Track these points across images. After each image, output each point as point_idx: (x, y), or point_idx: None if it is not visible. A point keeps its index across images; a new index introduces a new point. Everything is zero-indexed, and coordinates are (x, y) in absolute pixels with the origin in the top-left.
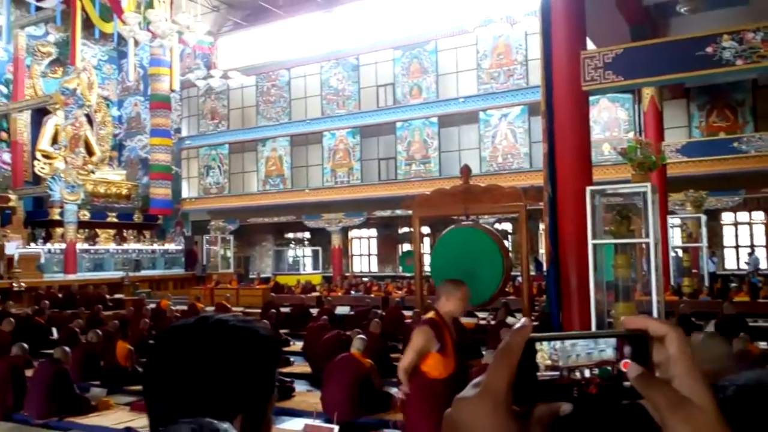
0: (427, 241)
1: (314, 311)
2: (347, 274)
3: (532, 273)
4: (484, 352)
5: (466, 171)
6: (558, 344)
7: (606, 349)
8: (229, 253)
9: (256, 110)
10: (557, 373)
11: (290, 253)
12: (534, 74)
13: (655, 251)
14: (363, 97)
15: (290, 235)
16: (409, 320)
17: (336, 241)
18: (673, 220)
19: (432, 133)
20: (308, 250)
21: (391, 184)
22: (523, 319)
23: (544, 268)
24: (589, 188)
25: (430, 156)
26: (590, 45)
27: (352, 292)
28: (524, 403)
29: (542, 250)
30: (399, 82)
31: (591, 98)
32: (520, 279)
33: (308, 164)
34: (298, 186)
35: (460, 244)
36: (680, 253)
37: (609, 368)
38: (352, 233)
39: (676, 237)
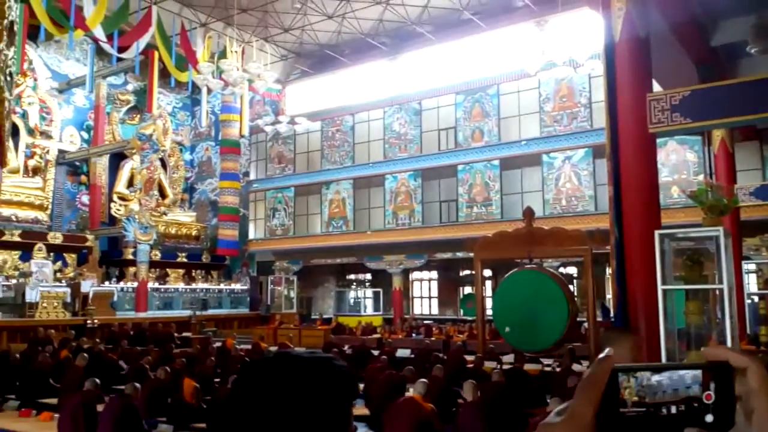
0: (488, 284)
1: (375, 352)
2: (407, 316)
3: (599, 319)
4: (549, 400)
5: (529, 213)
6: (645, 381)
7: (692, 385)
8: (293, 294)
9: (321, 154)
10: (644, 409)
11: (351, 294)
12: (598, 116)
13: (730, 298)
14: (425, 141)
15: (352, 276)
16: (470, 365)
17: (397, 283)
18: (748, 266)
19: (494, 176)
20: (369, 292)
21: (452, 226)
22: (608, 349)
23: (612, 314)
24: (657, 232)
25: (492, 198)
26: (656, 86)
27: (413, 334)
28: None
29: (609, 296)
30: (461, 125)
31: (658, 140)
32: (586, 325)
33: (370, 206)
34: (360, 228)
35: (524, 287)
36: (756, 299)
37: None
38: (413, 275)
39: (752, 283)
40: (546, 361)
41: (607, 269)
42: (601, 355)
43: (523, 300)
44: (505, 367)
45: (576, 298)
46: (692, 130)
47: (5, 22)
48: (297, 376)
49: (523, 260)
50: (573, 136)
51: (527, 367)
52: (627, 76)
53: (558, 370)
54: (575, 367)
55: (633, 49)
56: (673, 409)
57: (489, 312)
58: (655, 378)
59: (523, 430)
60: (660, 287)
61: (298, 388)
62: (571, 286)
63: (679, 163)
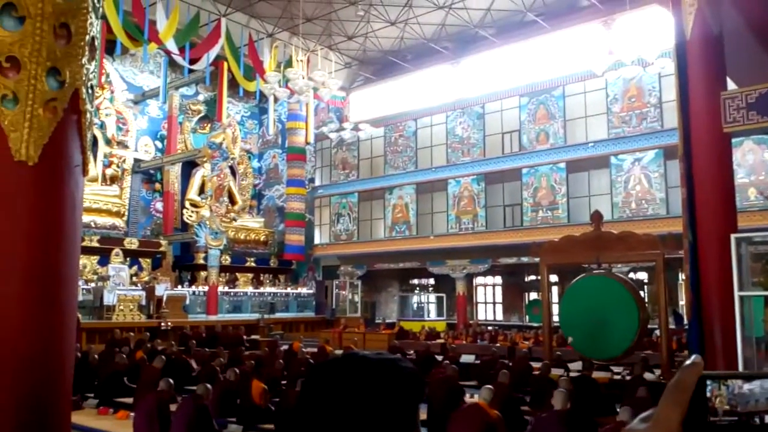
0: (555, 290)
1: (439, 358)
2: (471, 321)
3: (671, 326)
4: (618, 409)
5: (597, 217)
6: (736, 389)
7: None
8: (357, 298)
9: (384, 160)
10: (735, 417)
11: (415, 299)
12: (669, 116)
13: None
14: (488, 145)
15: (415, 281)
16: (536, 372)
17: (460, 288)
18: None
19: (560, 179)
20: (432, 297)
21: (516, 231)
22: (695, 356)
23: (685, 321)
24: (734, 236)
25: (558, 202)
26: (730, 84)
27: (478, 340)
28: None
29: (682, 302)
30: (525, 128)
31: (734, 140)
32: (657, 332)
33: (433, 211)
34: (423, 233)
35: (592, 293)
36: None
37: None
38: (476, 280)
39: None
40: (615, 369)
41: (679, 275)
42: (689, 362)
43: (592, 306)
44: (572, 374)
45: (647, 305)
46: None
47: (87, 37)
48: (364, 377)
49: (591, 265)
50: (643, 137)
51: (596, 375)
52: (699, 75)
53: (628, 378)
54: (647, 375)
55: (705, 46)
56: (767, 419)
57: (556, 318)
58: (747, 386)
59: None
60: (737, 293)
61: (365, 389)
62: (641, 293)
63: (756, 164)
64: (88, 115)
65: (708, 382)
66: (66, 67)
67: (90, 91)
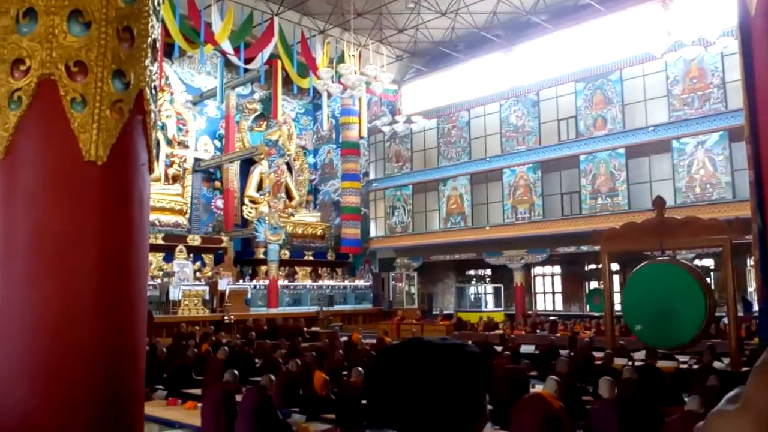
0: (616, 278)
1: (498, 348)
2: (530, 312)
3: (740, 314)
4: (686, 399)
5: (659, 203)
6: None
7: None
8: (413, 290)
9: (438, 151)
10: None
11: (472, 290)
12: (733, 97)
13: None
14: (543, 132)
15: (471, 272)
16: (599, 362)
17: (518, 278)
18: None
19: (619, 165)
20: (490, 288)
21: (575, 219)
22: None
23: (755, 307)
24: None
25: (618, 189)
26: None
27: (537, 331)
28: None
29: (751, 288)
30: (581, 114)
31: None
32: (725, 320)
33: (488, 201)
34: (478, 223)
35: (656, 281)
36: None
37: None
38: (535, 270)
39: None
40: (681, 359)
41: (748, 260)
42: None
43: (656, 294)
44: (636, 364)
45: (714, 292)
46: None
47: (149, 40)
48: (430, 361)
49: (654, 252)
50: (706, 119)
51: (660, 364)
52: (765, 52)
53: (695, 367)
54: (716, 364)
55: None
56: None
57: (618, 308)
58: None
59: (658, 430)
60: None
61: (432, 373)
62: (707, 279)
63: None
64: (152, 115)
65: None
66: (130, 69)
67: (153, 91)
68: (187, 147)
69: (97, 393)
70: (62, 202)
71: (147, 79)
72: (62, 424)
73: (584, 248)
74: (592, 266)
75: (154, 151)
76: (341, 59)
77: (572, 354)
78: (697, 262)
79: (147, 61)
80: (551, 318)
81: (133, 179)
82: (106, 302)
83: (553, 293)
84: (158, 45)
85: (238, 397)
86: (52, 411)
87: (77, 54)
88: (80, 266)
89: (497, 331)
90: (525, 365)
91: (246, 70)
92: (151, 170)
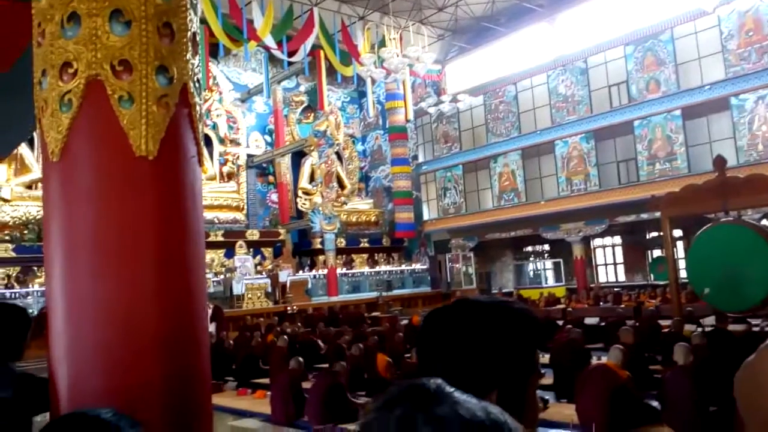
0: (680, 244)
1: (560, 323)
2: (592, 285)
3: None
4: None
5: (720, 162)
6: None
7: None
8: (471, 270)
9: (486, 128)
10: None
11: (530, 266)
12: None
13: None
14: (594, 100)
15: (529, 248)
16: (666, 330)
17: (577, 251)
18: None
19: (676, 128)
20: (549, 263)
21: (633, 186)
22: None
23: None
24: None
25: (676, 152)
26: None
27: (600, 303)
28: None
29: None
30: (633, 78)
31: None
32: None
33: (541, 175)
34: (533, 198)
35: (722, 243)
36: None
37: None
38: (594, 242)
39: None
40: (753, 321)
41: None
42: None
43: (722, 257)
44: (706, 329)
45: None
46: None
47: (188, 34)
48: (478, 319)
49: (717, 214)
50: (765, 72)
51: (731, 328)
52: None
53: None
54: None
55: None
56: None
57: (683, 274)
58: None
59: (731, 394)
60: None
61: (480, 331)
62: None
63: None
64: (198, 108)
65: None
66: (173, 64)
67: (197, 84)
68: (238, 144)
69: (166, 381)
70: (118, 197)
71: (190, 73)
72: (136, 412)
73: (644, 216)
74: (654, 234)
75: (206, 151)
76: (382, 44)
77: (637, 324)
78: (764, 221)
79: (188, 55)
80: (615, 290)
81: (184, 172)
82: (167, 292)
83: (615, 264)
84: (198, 38)
85: (305, 384)
86: (125, 401)
87: (121, 53)
88: (141, 259)
89: (559, 306)
90: (577, 334)
91: (290, 64)
92: (200, 162)
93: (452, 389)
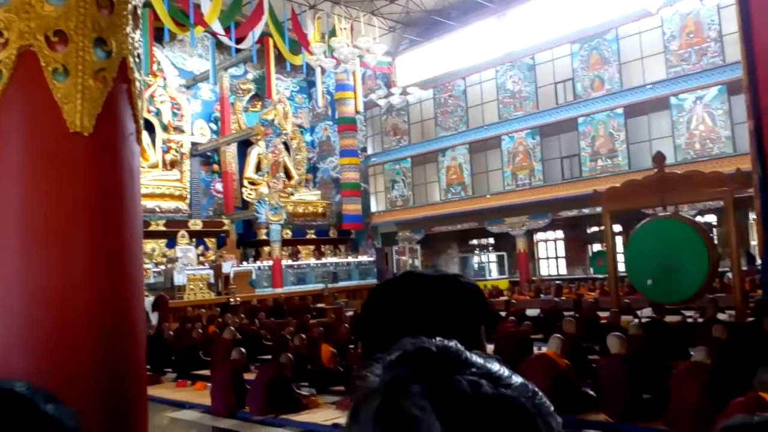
0: (619, 239)
1: (503, 314)
2: (534, 277)
3: (744, 267)
4: (692, 352)
5: (660, 158)
6: None
7: None
8: (417, 262)
9: (435, 122)
10: None
11: (475, 259)
12: (731, 49)
13: None
14: (541, 97)
15: (474, 241)
16: (604, 321)
17: (521, 245)
18: None
19: (618, 125)
20: (493, 256)
21: (576, 182)
22: None
23: (758, 261)
24: None
25: (617, 149)
26: None
27: (542, 295)
28: None
29: (753, 242)
30: (578, 76)
31: None
32: (729, 275)
33: (488, 170)
34: (479, 192)
35: (659, 237)
36: None
37: None
38: (537, 236)
39: None
40: (687, 313)
41: (750, 215)
42: None
43: (659, 250)
44: (642, 320)
45: (716, 246)
46: None
47: (129, 6)
48: (426, 293)
49: (656, 209)
50: (704, 74)
51: (667, 319)
52: (763, 1)
53: (701, 320)
54: (719, 316)
55: None
56: None
57: (621, 268)
58: None
59: (665, 382)
60: None
61: (427, 305)
62: (710, 234)
63: None
64: (138, 84)
65: None
66: (111, 37)
67: (137, 60)
68: (182, 132)
69: (96, 366)
70: (51, 174)
71: (129, 47)
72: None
73: (586, 211)
74: (595, 229)
75: (149, 138)
76: (333, 33)
77: (577, 315)
78: (699, 218)
79: (128, 29)
80: (556, 282)
81: (122, 150)
82: (100, 275)
83: (557, 258)
84: (140, 11)
85: (247, 375)
86: (51, 384)
87: (56, 23)
88: (73, 240)
89: (502, 298)
90: (527, 327)
91: (238, 51)
92: (139, 141)
93: (466, 355)
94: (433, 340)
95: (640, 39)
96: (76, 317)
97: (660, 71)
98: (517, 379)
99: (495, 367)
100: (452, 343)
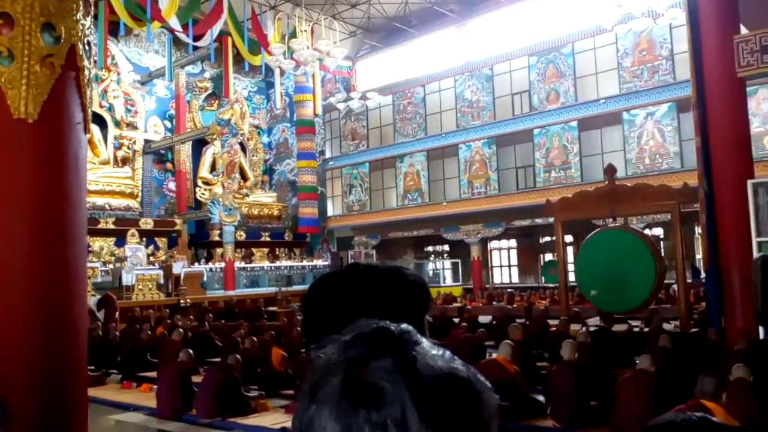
0: (570, 250)
1: (456, 320)
2: (487, 285)
3: (689, 280)
4: (637, 360)
5: (611, 171)
6: None
7: None
8: None
9: (394, 128)
10: None
11: (430, 266)
12: (681, 68)
13: None
14: (498, 107)
15: (430, 248)
16: (554, 329)
17: (475, 252)
18: None
19: (572, 138)
20: (448, 263)
21: (529, 192)
22: None
23: (702, 275)
24: (750, 181)
25: (571, 162)
26: (743, 30)
27: (494, 302)
28: None
29: (698, 256)
30: (535, 88)
31: (748, 89)
32: (675, 287)
33: (445, 177)
34: (435, 199)
35: (608, 247)
36: None
37: None
38: (491, 244)
39: None
40: (633, 323)
41: (696, 228)
42: None
43: (608, 261)
44: (591, 329)
45: (663, 258)
46: None
47: None
48: (371, 285)
49: (606, 221)
50: (655, 90)
51: (615, 328)
52: (712, 22)
53: (646, 330)
54: (665, 326)
55: None
56: None
57: (572, 277)
58: None
59: (610, 390)
60: (755, 239)
61: (371, 294)
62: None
63: None
64: (87, 72)
65: None
66: (60, 23)
67: (87, 47)
68: (136, 128)
69: (32, 363)
70: None
71: (79, 34)
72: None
73: (539, 221)
74: (547, 239)
75: (100, 134)
76: (293, 35)
77: (528, 323)
78: (647, 231)
79: (79, 15)
80: (508, 290)
81: (68, 138)
82: (40, 269)
83: (510, 266)
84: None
85: (196, 378)
86: None
87: (2, 6)
88: (13, 227)
89: (455, 305)
90: (481, 333)
91: (195, 48)
92: (86, 130)
93: (419, 337)
94: (387, 322)
95: (595, 54)
96: (15, 307)
97: (613, 87)
98: (460, 361)
99: (443, 350)
100: (408, 326)
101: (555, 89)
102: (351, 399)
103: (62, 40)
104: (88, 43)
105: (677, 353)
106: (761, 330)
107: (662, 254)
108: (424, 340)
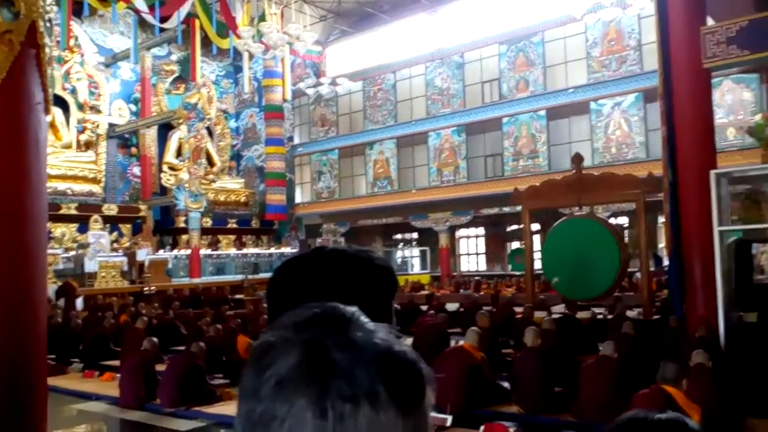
0: (536, 238)
1: (424, 308)
2: (455, 273)
3: (652, 269)
4: (600, 347)
5: (578, 159)
6: None
7: None
8: None
9: (364, 114)
10: None
11: (399, 253)
12: (649, 59)
13: None
14: (468, 95)
15: (398, 236)
16: (519, 316)
17: (443, 240)
18: None
19: (540, 127)
20: (416, 251)
21: (498, 180)
22: None
23: (665, 263)
24: (713, 172)
25: (539, 150)
26: (710, 22)
27: (461, 290)
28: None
29: (661, 245)
30: (504, 76)
31: (713, 81)
32: (638, 275)
33: (414, 165)
34: (405, 187)
35: (574, 235)
36: None
37: None
38: (459, 232)
39: None
40: (597, 310)
41: (659, 218)
42: None
43: (574, 248)
44: (555, 316)
45: (627, 246)
46: (750, 63)
47: None
48: (336, 267)
49: (573, 209)
50: (622, 81)
51: (579, 315)
52: (679, 12)
53: (610, 317)
54: (629, 313)
55: None
56: None
57: (538, 265)
58: None
59: (574, 376)
60: (716, 228)
61: (338, 278)
62: (622, 235)
63: (735, 103)
64: (47, 50)
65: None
66: None
67: (48, 24)
68: (100, 112)
69: None
70: None
71: (40, 10)
72: None
73: (506, 209)
74: (514, 227)
75: (63, 117)
76: (262, 18)
77: (494, 310)
78: (612, 220)
79: None
80: (475, 278)
81: (27, 119)
82: None
83: (477, 254)
84: None
85: (159, 366)
86: None
87: None
88: None
89: (423, 292)
90: (442, 318)
91: (162, 30)
92: (47, 111)
93: (366, 318)
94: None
95: (565, 44)
96: None
97: (582, 76)
98: (395, 338)
99: (384, 328)
100: (355, 308)
101: (524, 78)
102: (316, 375)
103: (21, 16)
104: (50, 21)
105: (640, 340)
106: (721, 318)
107: (626, 243)
108: (368, 320)
